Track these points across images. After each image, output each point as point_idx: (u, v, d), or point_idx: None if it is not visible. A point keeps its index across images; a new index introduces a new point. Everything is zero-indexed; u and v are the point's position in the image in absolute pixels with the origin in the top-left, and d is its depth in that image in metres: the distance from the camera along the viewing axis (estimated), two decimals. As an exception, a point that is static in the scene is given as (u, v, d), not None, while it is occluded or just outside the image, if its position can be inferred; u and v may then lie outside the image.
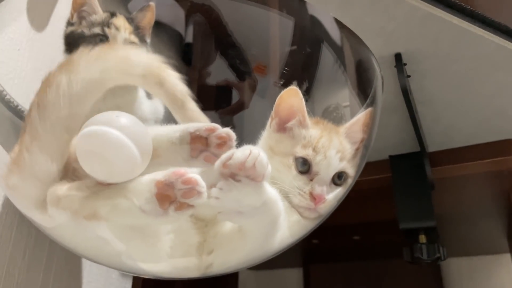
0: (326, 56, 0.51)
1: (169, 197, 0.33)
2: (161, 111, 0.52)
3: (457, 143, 1.02)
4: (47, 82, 0.38)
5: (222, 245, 0.43)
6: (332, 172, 0.47)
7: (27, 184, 0.38)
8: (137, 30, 0.55)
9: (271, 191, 0.38)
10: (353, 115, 0.51)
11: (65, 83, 0.37)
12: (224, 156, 0.35)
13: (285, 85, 0.47)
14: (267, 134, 0.50)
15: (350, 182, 0.50)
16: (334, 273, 1.71)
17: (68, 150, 0.38)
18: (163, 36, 0.53)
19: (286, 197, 0.46)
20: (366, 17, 0.74)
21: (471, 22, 0.70)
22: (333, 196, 0.47)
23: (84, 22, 0.55)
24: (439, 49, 0.79)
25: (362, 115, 0.51)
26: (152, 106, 0.52)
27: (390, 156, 1.08)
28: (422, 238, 0.96)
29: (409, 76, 0.83)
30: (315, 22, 0.50)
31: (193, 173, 0.34)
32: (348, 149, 0.49)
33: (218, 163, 0.36)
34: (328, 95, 0.53)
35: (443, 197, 1.05)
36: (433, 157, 1.02)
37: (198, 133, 0.36)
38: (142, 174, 0.36)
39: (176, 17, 0.51)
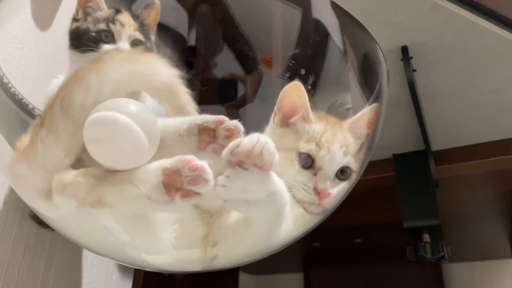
0: (333, 49, 0.51)
1: (175, 184, 0.33)
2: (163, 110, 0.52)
3: (461, 142, 1.02)
4: (75, 79, 0.37)
5: (227, 237, 0.42)
6: (336, 167, 0.47)
7: (35, 174, 0.38)
8: (142, 27, 0.55)
9: (278, 181, 0.38)
10: (358, 110, 0.51)
11: (95, 84, 0.37)
12: (232, 144, 0.35)
13: (291, 78, 0.47)
14: (271, 129, 0.50)
15: (354, 177, 0.49)
16: (335, 277, 1.70)
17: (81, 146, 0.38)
18: (169, 30, 0.53)
19: (290, 192, 0.45)
20: (373, 8, 0.74)
21: (478, 14, 0.70)
22: (337, 191, 0.47)
23: (89, 18, 0.55)
24: (445, 41, 0.78)
25: (367, 110, 0.50)
26: (155, 104, 0.53)
27: (394, 155, 1.08)
28: (426, 237, 0.95)
29: (415, 70, 0.82)
30: (322, 13, 0.50)
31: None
32: (352, 143, 0.49)
33: (225, 151, 0.36)
34: (334, 89, 0.53)
35: (446, 197, 1.05)
36: (437, 156, 1.02)
37: (206, 125, 0.36)
38: (149, 163, 0.35)
39: (183, 8, 0.51)
